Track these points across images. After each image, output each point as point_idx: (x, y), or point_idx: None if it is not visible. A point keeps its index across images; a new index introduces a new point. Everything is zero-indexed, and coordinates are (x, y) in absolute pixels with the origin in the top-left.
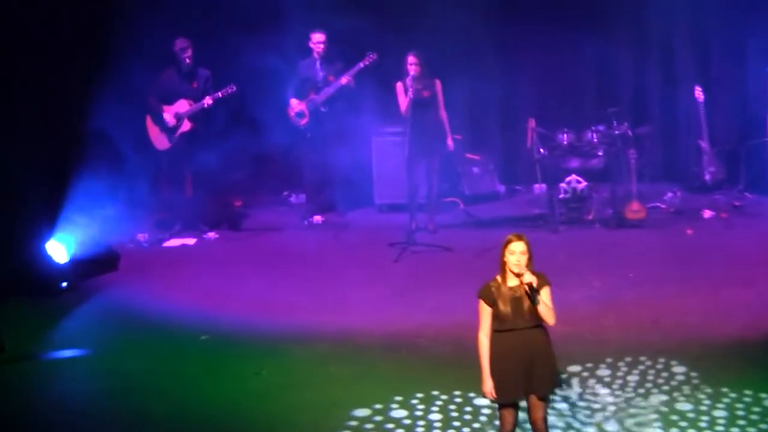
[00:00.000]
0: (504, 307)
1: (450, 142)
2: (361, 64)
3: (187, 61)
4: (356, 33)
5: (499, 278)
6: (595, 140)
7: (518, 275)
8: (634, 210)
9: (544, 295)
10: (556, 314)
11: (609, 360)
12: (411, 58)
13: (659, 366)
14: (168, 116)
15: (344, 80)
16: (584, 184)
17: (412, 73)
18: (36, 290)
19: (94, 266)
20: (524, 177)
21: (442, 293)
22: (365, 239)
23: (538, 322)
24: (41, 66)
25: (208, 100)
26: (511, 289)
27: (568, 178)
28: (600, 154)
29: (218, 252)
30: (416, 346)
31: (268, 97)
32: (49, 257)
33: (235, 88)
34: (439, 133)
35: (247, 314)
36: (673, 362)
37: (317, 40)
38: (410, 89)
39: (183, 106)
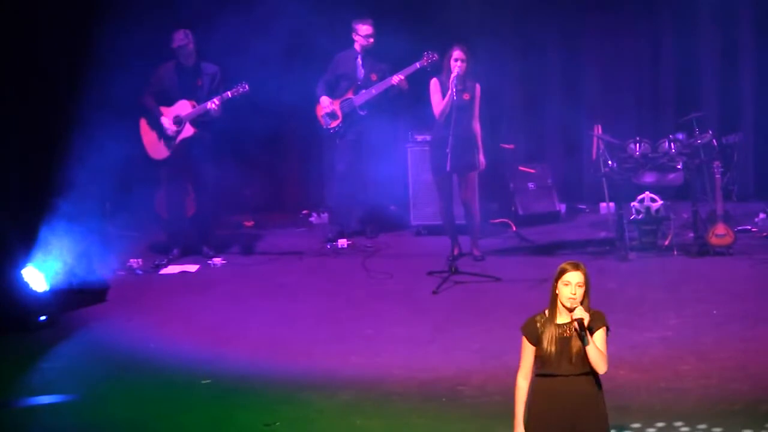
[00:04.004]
0: (548, 347)
1: (482, 159)
2: (418, 65)
3: (189, 57)
4: (392, 26)
5: (547, 312)
6: (674, 151)
7: (571, 310)
8: (720, 234)
9: (598, 339)
10: (624, 358)
11: (685, 415)
12: (457, 53)
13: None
14: (166, 120)
15: (396, 79)
16: (660, 203)
17: (457, 70)
18: (9, 325)
19: (77, 297)
20: (589, 194)
21: (490, 332)
22: (399, 267)
23: (588, 369)
24: (14, 73)
25: (215, 102)
26: (559, 326)
27: (640, 196)
28: (679, 167)
29: (225, 281)
30: (459, 395)
31: (286, 96)
32: (26, 286)
33: (247, 87)
34: (473, 144)
35: (258, 355)
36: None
37: (364, 32)
38: (452, 90)
39: (185, 107)
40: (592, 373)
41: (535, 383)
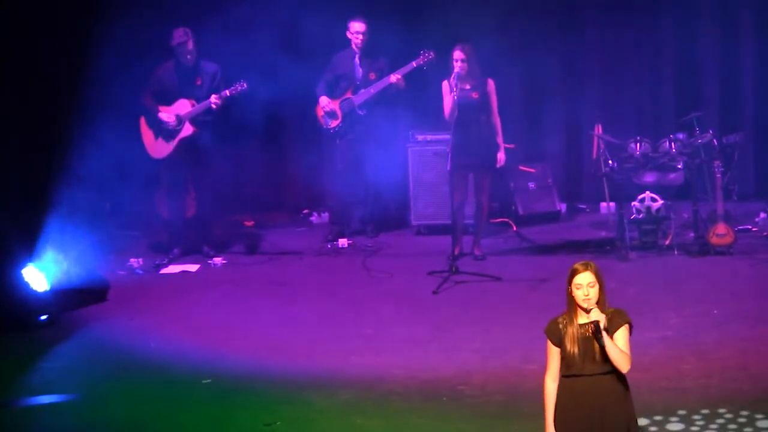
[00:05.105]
0: (571, 348)
1: (502, 156)
2: (414, 63)
3: (188, 56)
4: (397, 25)
5: (568, 313)
6: (674, 151)
7: (587, 312)
8: (720, 234)
9: (620, 336)
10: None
11: (683, 412)
12: (457, 53)
13: (741, 419)
14: (165, 114)
15: (394, 78)
16: (660, 202)
17: (457, 70)
18: (10, 324)
19: (78, 296)
20: (589, 194)
21: (491, 332)
22: (399, 267)
23: (613, 368)
24: (14, 73)
25: (214, 99)
26: (581, 327)
27: (641, 196)
28: (679, 167)
29: (225, 280)
30: (459, 394)
31: (287, 95)
32: (26, 286)
33: (246, 85)
34: (490, 142)
35: (259, 355)
36: (759, 415)
37: (356, 30)
38: (455, 89)
39: (184, 106)
40: (617, 371)
41: (562, 384)
